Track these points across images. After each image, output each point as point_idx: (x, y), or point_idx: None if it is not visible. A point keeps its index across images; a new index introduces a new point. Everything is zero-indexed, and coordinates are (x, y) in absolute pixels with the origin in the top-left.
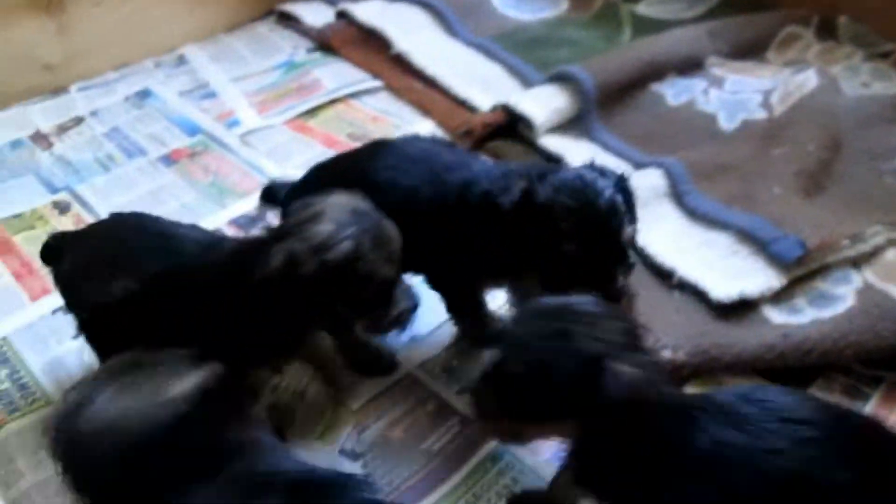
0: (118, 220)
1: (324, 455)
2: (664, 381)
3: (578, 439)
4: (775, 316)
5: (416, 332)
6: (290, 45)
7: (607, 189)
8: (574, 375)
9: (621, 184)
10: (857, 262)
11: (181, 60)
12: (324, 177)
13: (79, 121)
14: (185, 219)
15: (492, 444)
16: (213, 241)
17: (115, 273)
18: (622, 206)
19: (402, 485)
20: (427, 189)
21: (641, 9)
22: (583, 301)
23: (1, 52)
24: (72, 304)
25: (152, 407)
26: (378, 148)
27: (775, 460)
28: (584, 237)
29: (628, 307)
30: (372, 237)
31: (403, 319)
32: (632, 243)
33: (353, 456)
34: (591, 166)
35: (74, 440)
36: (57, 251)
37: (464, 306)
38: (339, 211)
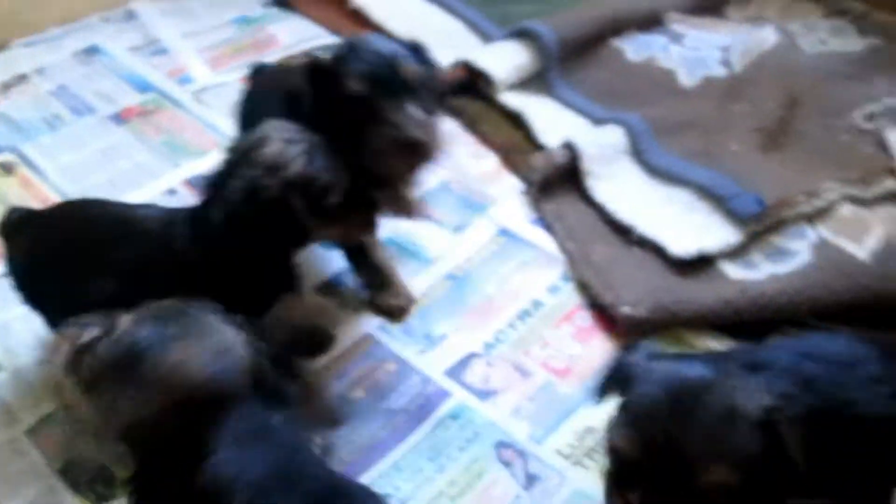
0: (72, 209)
1: None
2: None
3: None
4: (733, 272)
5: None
6: (244, 0)
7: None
8: None
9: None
10: (811, 218)
11: (130, 15)
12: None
13: (22, 78)
14: (140, 179)
15: (451, 402)
16: (173, 214)
17: (87, 274)
18: None
19: (364, 443)
20: None
21: None
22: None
23: None
24: (30, 299)
25: (215, 354)
26: None
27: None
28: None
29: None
30: (319, 147)
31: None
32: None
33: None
34: None
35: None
36: (16, 229)
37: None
38: (278, 132)
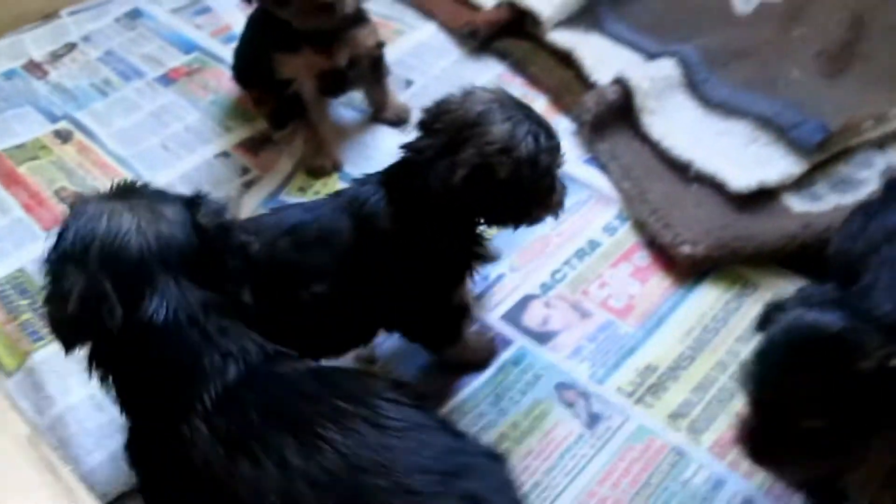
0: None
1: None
2: None
3: None
4: (796, 204)
5: None
6: None
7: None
8: None
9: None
10: (881, 144)
11: None
12: None
13: (71, 47)
14: (191, 143)
15: (512, 348)
16: (355, 194)
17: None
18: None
19: (425, 391)
20: None
21: None
22: None
23: None
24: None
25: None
26: None
27: None
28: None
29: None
30: (539, 126)
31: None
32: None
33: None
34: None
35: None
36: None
37: None
38: (496, 107)
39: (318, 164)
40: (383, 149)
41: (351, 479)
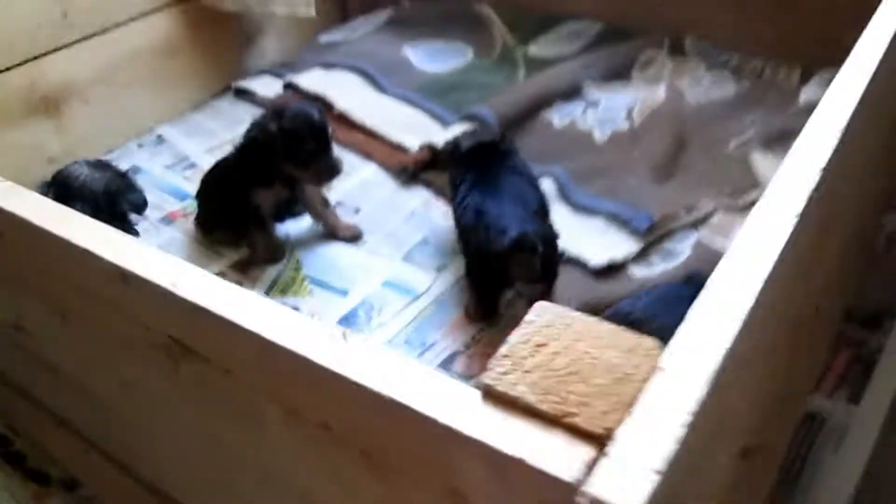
0: None
1: None
2: None
3: None
4: (637, 272)
5: None
6: (248, 115)
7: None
8: None
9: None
10: (695, 225)
11: (160, 139)
12: None
13: None
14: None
15: None
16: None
17: None
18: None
19: None
20: None
21: (532, 51)
22: None
23: (12, 151)
24: None
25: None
26: None
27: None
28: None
29: None
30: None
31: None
32: None
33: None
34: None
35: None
36: None
37: None
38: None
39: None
40: (343, 257)
41: None
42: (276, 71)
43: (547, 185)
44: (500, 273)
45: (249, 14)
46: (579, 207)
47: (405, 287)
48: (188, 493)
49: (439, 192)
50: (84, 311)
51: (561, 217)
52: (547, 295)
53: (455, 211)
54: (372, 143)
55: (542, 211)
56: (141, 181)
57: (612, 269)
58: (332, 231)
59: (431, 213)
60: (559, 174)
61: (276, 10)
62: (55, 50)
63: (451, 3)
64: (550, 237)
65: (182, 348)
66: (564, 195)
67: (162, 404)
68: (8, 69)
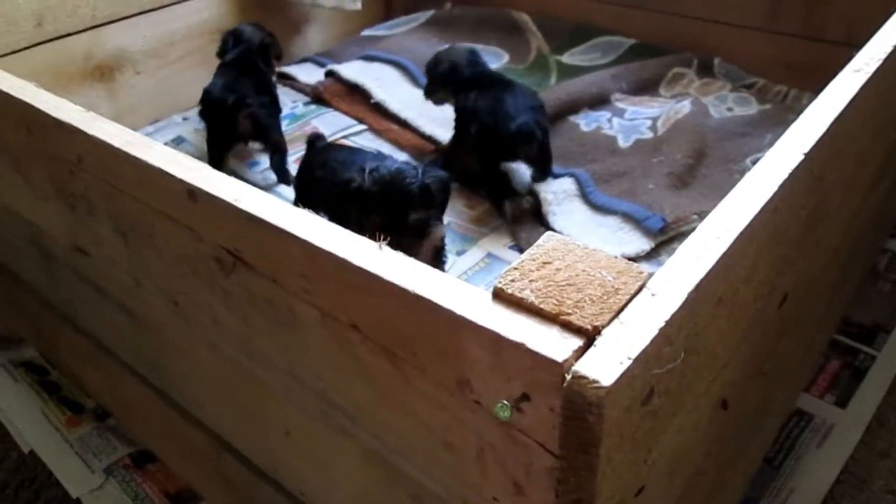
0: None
1: None
2: None
3: None
4: (647, 269)
5: None
6: (290, 100)
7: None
8: None
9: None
10: None
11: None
12: None
13: None
14: None
15: None
16: None
17: None
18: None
19: None
20: None
21: (565, 59)
22: None
23: None
24: None
25: None
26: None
27: None
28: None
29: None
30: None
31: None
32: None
33: None
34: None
35: None
36: None
37: None
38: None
39: None
40: None
41: None
42: (318, 59)
43: (567, 185)
44: (506, 151)
45: (299, 4)
46: (597, 207)
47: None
48: (220, 420)
49: (463, 181)
50: (148, 229)
51: (579, 214)
52: None
53: (465, 108)
54: (405, 134)
55: (541, 109)
56: (184, 152)
57: None
58: None
59: (455, 201)
60: (580, 175)
61: (325, 3)
62: (114, 21)
63: (491, 8)
64: (545, 128)
65: (235, 259)
66: (584, 195)
67: (208, 317)
68: (69, 34)
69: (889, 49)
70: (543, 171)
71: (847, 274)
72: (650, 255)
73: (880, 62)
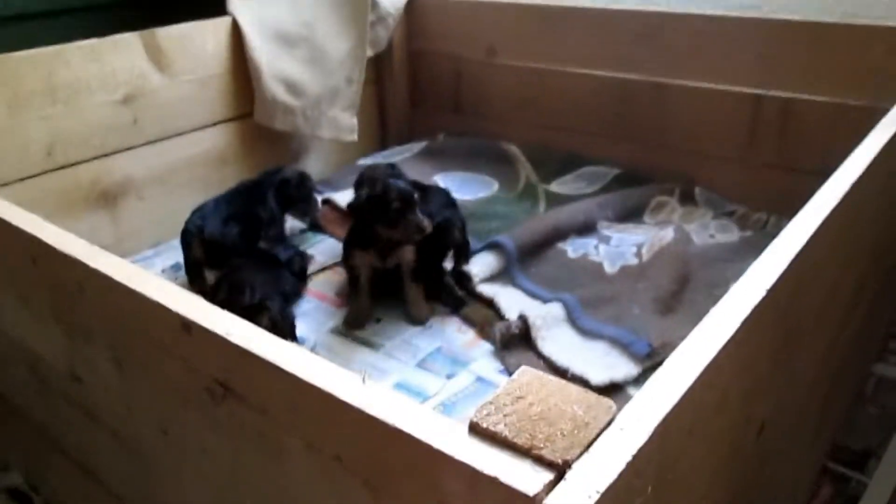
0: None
1: None
2: None
3: None
4: (635, 393)
5: None
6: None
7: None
8: None
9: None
10: None
11: None
12: None
13: None
14: None
15: None
16: None
17: None
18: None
19: None
20: None
21: (553, 187)
22: None
23: None
24: None
25: None
26: None
27: None
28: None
29: None
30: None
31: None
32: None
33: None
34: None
35: None
36: None
37: None
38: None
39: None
40: (359, 356)
41: None
42: (316, 188)
43: (556, 310)
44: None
45: (298, 134)
46: (584, 331)
47: (416, 390)
48: None
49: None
50: (142, 359)
51: (568, 338)
52: None
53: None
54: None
55: (452, 204)
56: (182, 277)
57: (613, 388)
58: (410, 307)
59: (447, 327)
60: (569, 300)
61: (323, 135)
62: (122, 150)
63: (482, 140)
64: (462, 220)
65: (225, 390)
66: (572, 319)
67: (197, 446)
68: (78, 163)
69: (847, 186)
70: (465, 257)
71: (831, 401)
72: (639, 380)
73: (839, 199)
